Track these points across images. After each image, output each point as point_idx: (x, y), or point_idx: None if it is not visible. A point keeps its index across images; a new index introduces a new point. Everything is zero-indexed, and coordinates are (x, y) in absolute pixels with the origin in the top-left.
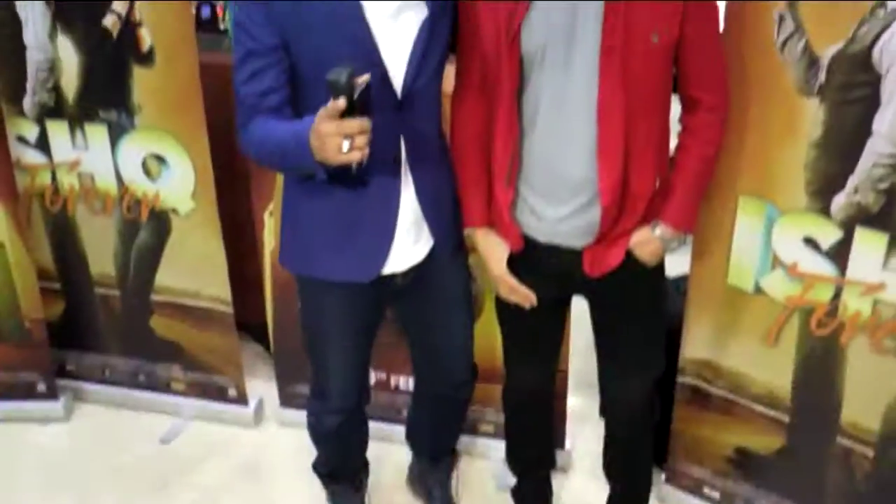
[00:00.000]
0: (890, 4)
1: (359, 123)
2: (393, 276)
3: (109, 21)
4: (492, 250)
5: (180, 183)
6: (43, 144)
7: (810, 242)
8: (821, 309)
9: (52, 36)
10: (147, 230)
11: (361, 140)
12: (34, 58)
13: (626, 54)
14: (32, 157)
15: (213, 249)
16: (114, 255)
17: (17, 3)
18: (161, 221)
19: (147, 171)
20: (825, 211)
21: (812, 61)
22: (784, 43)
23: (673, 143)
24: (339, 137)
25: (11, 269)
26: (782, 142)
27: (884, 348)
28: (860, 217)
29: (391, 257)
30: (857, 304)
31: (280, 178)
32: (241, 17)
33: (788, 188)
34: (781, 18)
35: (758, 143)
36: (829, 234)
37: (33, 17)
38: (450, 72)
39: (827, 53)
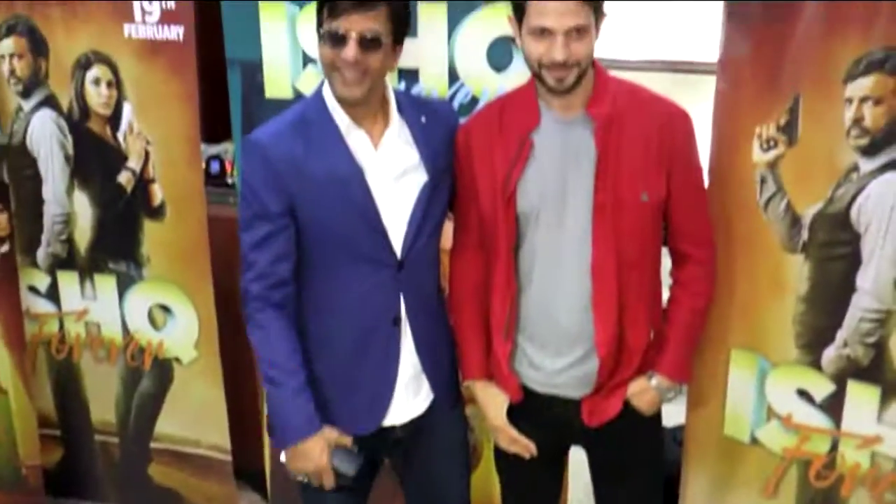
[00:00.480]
0: (863, 168)
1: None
2: (392, 428)
3: (124, 178)
4: (491, 401)
5: (184, 332)
6: (53, 294)
7: (804, 394)
8: (818, 460)
9: (70, 191)
10: (149, 378)
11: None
12: (51, 211)
13: (616, 212)
14: (42, 306)
15: (215, 398)
16: (115, 403)
17: (40, 160)
18: (164, 369)
19: (152, 321)
20: (816, 364)
21: (794, 220)
22: (767, 202)
23: (665, 295)
24: (315, 473)
25: (13, 415)
26: (770, 296)
27: (885, 502)
28: (851, 370)
29: (391, 411)
30: (855, 456)
31: None
32: (248, 179)
33: (779, 341)
34: (763, 179)
35: (746, 297)
36: (821, 387)
37: (53, 174)
38: (448, 228)
39: (808, 213)
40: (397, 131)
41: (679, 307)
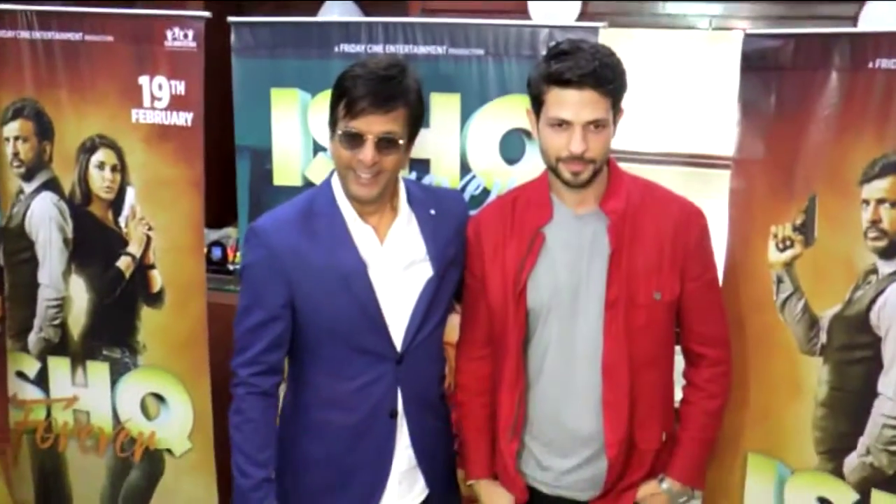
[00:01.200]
0: (882, 270)
1: None
2: None
3: (123, 263)
4: (496, 502)
5: (178, 423)
6: (42, 380)
7: (825, 503)
8: None
9: (66, 275)
10: (139, 470)
11: None
12: (45, 295)
13: (629, 310)
14: (30, 392)
15: (207, 492)
16: (101, 495)
17: (38, 244)
18: (154, 461)
19: (145, 410)
20: (838, 471)
21: (812, 322)
22: (783, 303)
23: (678, 396)
24: None
25: None
26: (788, 399)
27: None
28: (875, 479)
29: (383, 503)
30: None
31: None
32: (250, 265)
33: (798, 447)
34: (779, 279)
35: (763, 400)
36: (844, 496)
37: (51, 258)
38: (454, 321)
39: (826, 315)
40: (405, 223)
41: (692, 408)
